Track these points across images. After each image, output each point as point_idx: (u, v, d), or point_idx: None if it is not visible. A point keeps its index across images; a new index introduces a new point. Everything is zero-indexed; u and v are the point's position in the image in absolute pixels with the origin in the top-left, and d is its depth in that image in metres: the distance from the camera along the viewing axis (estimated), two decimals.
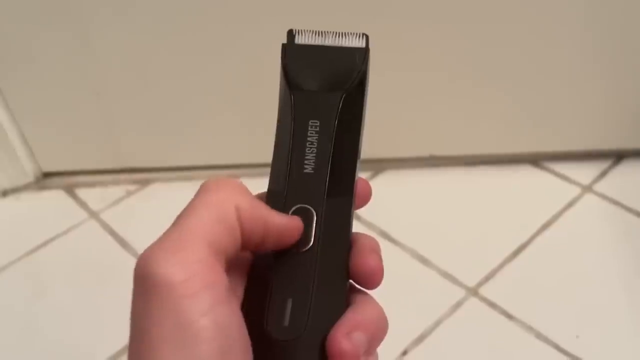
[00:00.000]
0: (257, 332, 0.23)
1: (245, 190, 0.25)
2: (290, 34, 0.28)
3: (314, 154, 0.27)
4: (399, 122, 0.81)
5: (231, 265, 0.25)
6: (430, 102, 0.79)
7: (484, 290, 0.70)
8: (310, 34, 0.28)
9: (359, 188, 0.28)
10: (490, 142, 0.85)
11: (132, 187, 0.87)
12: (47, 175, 0.88)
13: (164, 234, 0.23)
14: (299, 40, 0.28)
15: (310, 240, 0.26)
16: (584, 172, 0.83)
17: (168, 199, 0.85)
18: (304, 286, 0.25)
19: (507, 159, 0.86)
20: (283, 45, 0.28)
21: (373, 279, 0.26)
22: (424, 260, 0.73)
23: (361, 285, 0.27)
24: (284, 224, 0.25)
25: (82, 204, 0.84)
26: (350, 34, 0.28)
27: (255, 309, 0.24)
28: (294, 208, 0.26)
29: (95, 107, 0.81)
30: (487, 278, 0.71)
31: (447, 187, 0.83)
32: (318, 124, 0.27)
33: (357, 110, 0.28)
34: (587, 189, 0.82)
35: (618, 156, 0.86)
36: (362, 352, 0.24)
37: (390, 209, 0.76)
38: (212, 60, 0.77)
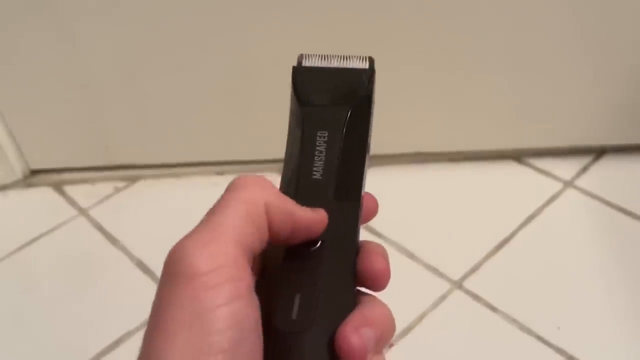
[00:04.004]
0: (265, 325, 0.24)
1: (272, 186, 0.26)
2: (299, 58, 0.30)
3: (322, 162, 0.28)
4: (384, 119, 0.81)
5: (255, 260, 0.26)
6: (416, 99, 0.80)
7: (468, 283, 0.71)
8: (317, 58, 0.30)
9: (366, 202, 0.29)
10: (475, 139, 0.86)
11: (120, 184, 0.87)
12: (35, 172, 0.88)
13: (195, 228, 0.24)
14: (307, 63, 0.30)
15: (318, 241, 0.27)
16: (566, 168, 0.85)
17: (156, 196, 0.86)
18: (312, 283, 0.25)
19: (490, 155, 0.87)
20: (293, 67, 0.30)
21: (380, 281, 0.27)
22: (410, 254, 0.74)
23: (368, 288, 0.27)
24: (311, 218, 0.26)
25: (71, 201, 0.85)
26: (355, 56, 0.30)
27: (264, 303, 0.24)
28: None
29: (83, 105, 0.81)
30: (472, 271, 0.72)
31: (433, 183, 0.85)
32: (326, 134, 0.28)
33: (364, 122, 0.29)
34: (569, 184, 0.83)
35: (599, 152, 0.87)
36: (370, 348, 0.24)
37: None
38: (201, 57, 0.77)
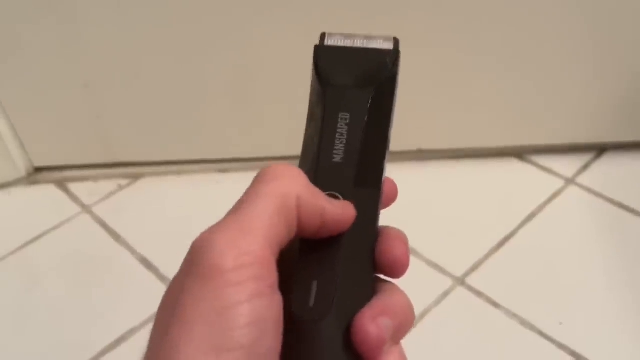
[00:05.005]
0: (283, 311, 0.23)
1: (305, 179, 0.25)
2: (322, 37, 0.30)
3: (344, 145, 0.27)
4: None
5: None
6: (417, 97, 0.81)
7: (470, 280, 0.71)
8: (341, 37, 0.29)
9: (386, 187, 0.28)
10: (476, 136, 0.86)
11: (123, 182, 0.87)
12: (38, 170, 0.88)
13: (224, 219, 0.23)
14: (330, 42, 0.29)
15: None
16: (567, 165, 0.85)
17: (159, 193, 0.86)
18: (330, 270, 0.25)
19: (492, 152, 0.87)
20: (315, 45, 0.29)
21: (399, 267, 0.26)
22: (412, 251, 0.74)
23: (387, 275, 0.26)
24: (340, 215, 0.25)
25: (74, 198, 0.85)
26: (379, 36, 0.29)
27: (282, 290, 0.24)
28: None
29: (86, 103, 0.81)
30: (474, 268, 0.73)
31: (435, 180, 0.85)
32: (348, 116, 0.28)
33: (386, 106, 0.28)
34: (570, 181, 0.83)
35: (600, 149, 0.87)
36: (387, 337, 0.24)
37: None
38: (203, 54, 0.77)
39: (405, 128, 0.86)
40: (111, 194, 0.85)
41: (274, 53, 0.76)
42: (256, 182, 0.25)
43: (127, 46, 0.76)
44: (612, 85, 0.81)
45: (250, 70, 0.79)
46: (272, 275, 0.23)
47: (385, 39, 0.29)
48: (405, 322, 0.25)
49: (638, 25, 0.75)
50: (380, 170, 0.28)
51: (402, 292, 0.26)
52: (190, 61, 0.78)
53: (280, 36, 0.75)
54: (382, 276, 0.27)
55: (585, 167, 0.85)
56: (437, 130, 0.85)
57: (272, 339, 0.22)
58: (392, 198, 0.29)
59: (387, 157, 0.28)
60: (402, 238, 0.27)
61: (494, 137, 0.86)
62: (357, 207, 0.26)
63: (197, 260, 0.22)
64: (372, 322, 0.24)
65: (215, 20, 0.74)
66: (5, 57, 0.77)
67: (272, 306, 0.22)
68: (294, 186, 0.24)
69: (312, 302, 0.24)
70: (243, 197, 0.24)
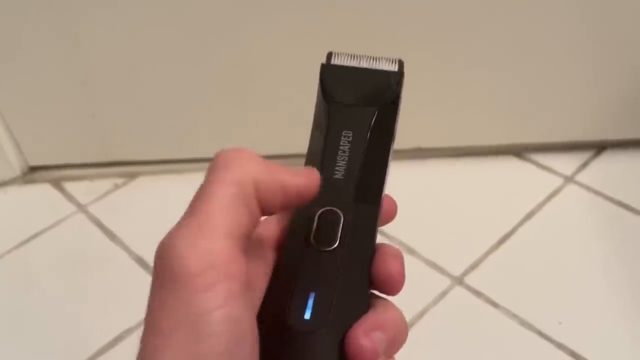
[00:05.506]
0: (278, 323, 0.24)
1: (257, 158, 0.25)
2: (329, 56, 0.30)
3: (345, 162, 0.28)
4: None
5: (254, 256, 0.25)
6: (416, 95, 0.80)
7: (469, 279, 0.71)
8: (347, 57, 0.30)
9: (385, 204, 0.29)
10: (475, 134, 0.86)
11: (119, 181, 0.87)
12: (34, 169, 0.88)
13: (182, 220, 0.23)
14: (336, 61, 0.30)
15: (335, 241, 0.26)
16: (566, 163, 0.85)
17: (156, 192, 0.85)
18: (327, 283, 0.25)
19: (491, 150, 0.87)
20: (322, 64, 0.30)
21: (394, 285, 0.26)
22: (410, 250, 0.74)
23: (382, 291, 0.27)
24: (302, 183, 0.25)
25: (70, 198, 0.84)
26: (384, 58, 0.30)
27: (278, 301, 0.25)
28: (322, 210, 0.27)
29: (82, 101, 0.81)
30: (472, 267, 0.72)
31: (433, 179, 0.85)
32: (351, 134, 0.28)
33: (389, 126, 0.29)
34: (569, 179, 0.83)
35: (599, 147, 0.87)
36: (380, 352, 0.24)
37: None
38: (200, 53, 0.77)
39: (404, 126, 0.85)
40: (107, 193, 0.85)
41: (271, 52, 0.76)
42: (209, 172, 0.24)
43: (125, 45, 0.76)
44: (611, 83, 0.81)
45: (248, 69, 0.78)
46: (241, 271, 0.22)
47: (390, 60, 0.30)
48: (398, 336, 0.25)
49: (638, 24, 0.75)
50: (380, 187, 0.28)
51: (396, 308, 0.26)
52: (187, 60, 0.77)
53: (280, 36, 0.74)
54: (377, 292, 0.27)
55: (585, 165, 0.85)
56: (437, 128, 0.85)
57: (250, 342, 0.22)
58: (392, 216, 0.30)
59: (388, 175, 0.29)
60: (398, 256, 0.27)
61: (493, 135, 0.86)
62: (356, 223, 0.27)
63: (162, 270, 0.22)
64: (365, 335, 0.24)
65: (213, 20, 0.74)
66: (1, 55, 0.77)
67: (245, 308, 0.22)
68: (248, 170, 0.24)
69: (308, 314, 0.25)
70: (197, 193, 0.24)
